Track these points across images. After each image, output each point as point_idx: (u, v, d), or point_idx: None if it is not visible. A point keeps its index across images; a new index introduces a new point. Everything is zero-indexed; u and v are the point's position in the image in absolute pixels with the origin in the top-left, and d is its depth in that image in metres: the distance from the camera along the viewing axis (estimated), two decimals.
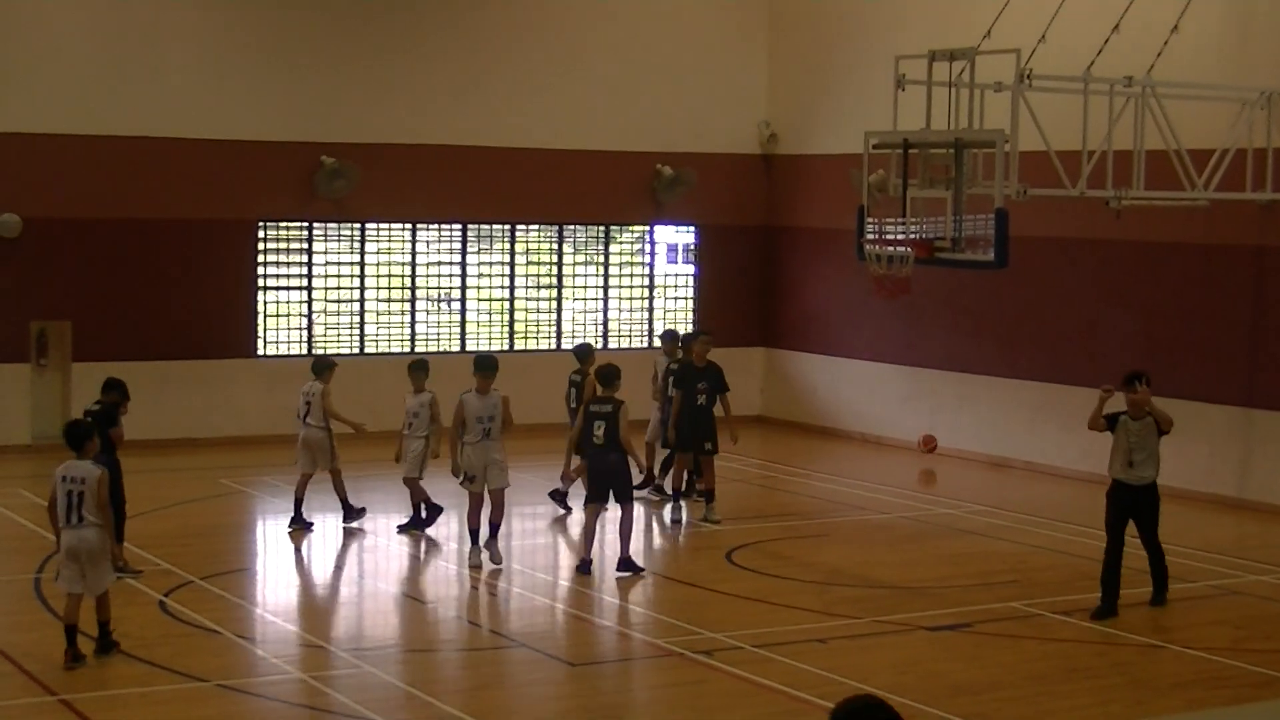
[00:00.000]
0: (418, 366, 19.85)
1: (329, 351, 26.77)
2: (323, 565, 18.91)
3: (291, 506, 19.72)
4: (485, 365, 17.98)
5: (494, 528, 17.87)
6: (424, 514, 19.58)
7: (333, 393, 19.79)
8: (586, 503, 17.85)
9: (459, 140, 27.36)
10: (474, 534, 17.95)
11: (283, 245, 26.83)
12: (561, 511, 20.80)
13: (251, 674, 14.00)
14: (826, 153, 28.25)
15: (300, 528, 19.67)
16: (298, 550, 19.01)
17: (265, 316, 26.69)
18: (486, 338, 28.27)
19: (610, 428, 17.33)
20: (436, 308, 28.04)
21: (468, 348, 27.68)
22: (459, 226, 27.95)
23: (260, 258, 26.52)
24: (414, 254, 27.72)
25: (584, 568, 17.43)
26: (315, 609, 16.94)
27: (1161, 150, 18.03)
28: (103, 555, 13.82)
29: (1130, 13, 18.42)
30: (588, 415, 17.68)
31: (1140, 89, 17.83)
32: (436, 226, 27.87)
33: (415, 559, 18.94)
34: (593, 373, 19.50)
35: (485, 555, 17.85)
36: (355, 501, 19.97)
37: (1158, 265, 23.29)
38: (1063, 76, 17.62)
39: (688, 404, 20.43)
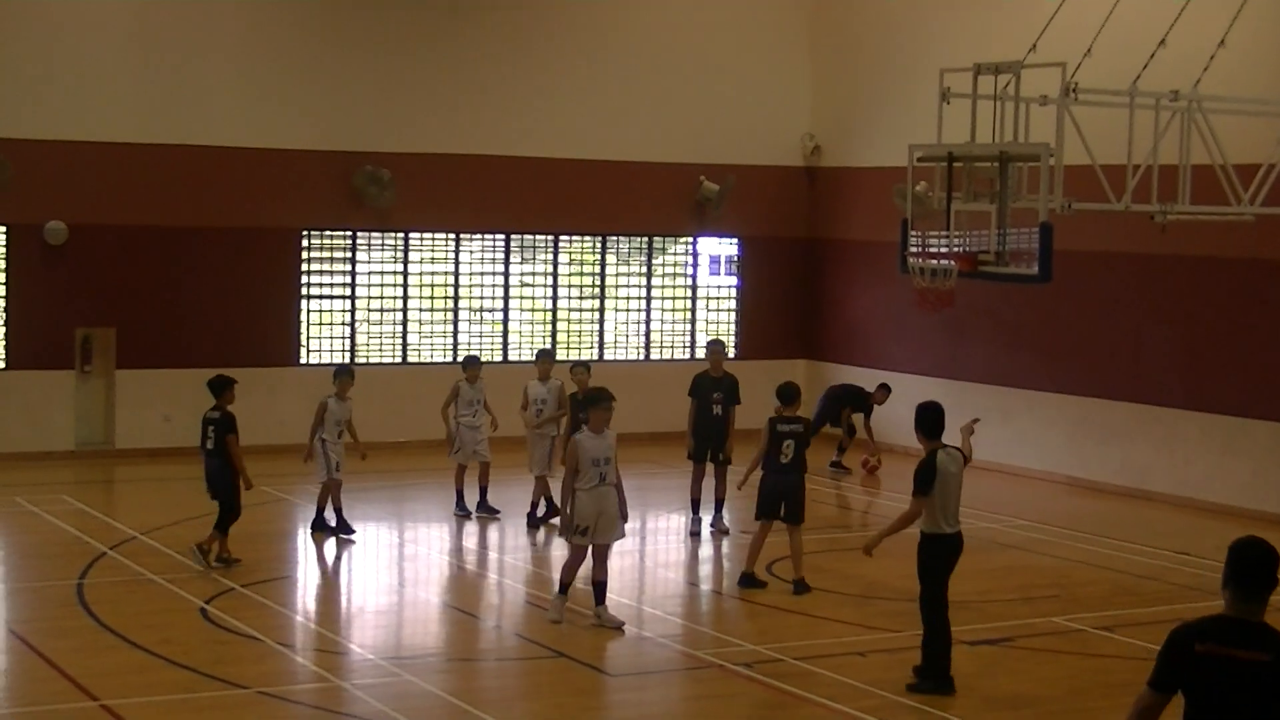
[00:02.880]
0: (345, 371, 20.39)
1: (370, 361, 26.91)
2: (363, 573, 18.96)
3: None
4: (604, 399, 15.56)
5: (600, 589, 15.74)
6: (337, 523, 19.84)
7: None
8: (758, 518, 17.58)
9: (502, 150, 27.40)
10: (565, 587, 15.85)
11: (326, 254, 26.91)
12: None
13: (292, 681, 14.04)
14: (870, 165, 28.22)
15: (485, 514, 21.02)
16: (338, 558, 19.05)
17: (308, 325, 26.78)
18: (529, 348, 28.29)
19: (799, 446, 17.30)
20: (479, 318, 28.08)
21: (510, 358, 27.75)
22: (502, 236, 27.99)
23: (303, 266, 26.61)
24: (457, 264, 27.76)
25: (744, 581, 17.42)
26: (356, 617, 16.95)
27: (1207, 165, 17.92)
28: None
29: (1177, 27, 18.31)
30: (777, 435, 17.32)
31: (1186, 103, 17.73)
32: (480, 236, 27.92)
33: (456, 568, 18.96)
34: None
35: (565, 613, 15.95)
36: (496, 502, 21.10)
37: (1202, 280, 23.17)
38: (1108, 90, 17.53)
39: (702, 414, 20.31)
